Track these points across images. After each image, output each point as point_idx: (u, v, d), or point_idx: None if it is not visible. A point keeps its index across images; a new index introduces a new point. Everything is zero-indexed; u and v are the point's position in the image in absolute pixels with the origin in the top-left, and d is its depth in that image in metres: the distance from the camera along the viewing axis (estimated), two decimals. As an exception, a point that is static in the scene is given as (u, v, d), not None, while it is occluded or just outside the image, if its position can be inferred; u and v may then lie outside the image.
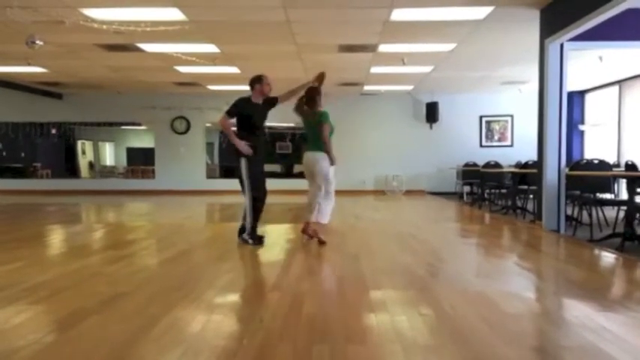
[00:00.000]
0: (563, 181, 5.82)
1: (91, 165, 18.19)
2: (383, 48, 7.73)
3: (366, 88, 11.57)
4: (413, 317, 2.58)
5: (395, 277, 3.56)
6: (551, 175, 5.83)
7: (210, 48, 7.72)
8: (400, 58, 8.39)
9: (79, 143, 17.49)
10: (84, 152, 17.95)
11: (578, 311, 2.79)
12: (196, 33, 6.80)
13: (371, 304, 2.84)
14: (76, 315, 2.62)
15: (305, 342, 2.24)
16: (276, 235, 5.40)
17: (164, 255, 4.54)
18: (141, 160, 16.59)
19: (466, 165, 10.53)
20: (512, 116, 12.63)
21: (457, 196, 10.97)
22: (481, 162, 9.60)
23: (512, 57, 8.45)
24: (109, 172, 17.63)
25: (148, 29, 6.17)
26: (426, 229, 6.32)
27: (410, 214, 8.28)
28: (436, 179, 12.57)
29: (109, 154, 19.25)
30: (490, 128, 12.75)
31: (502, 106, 12.59)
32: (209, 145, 15.73)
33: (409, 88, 11.80)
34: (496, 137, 12.73)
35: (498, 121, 12.71)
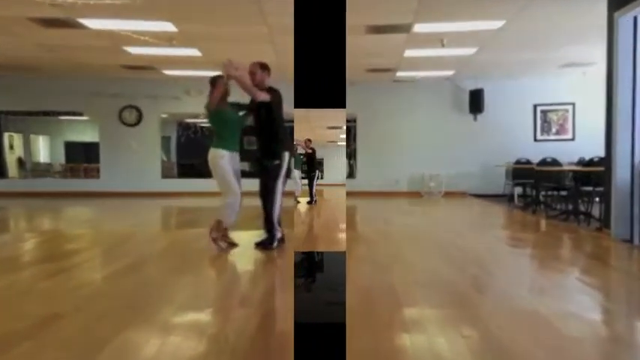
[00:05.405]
0: (638, 180, 5.66)
1: (21, 162, 17.80)
2: (418, 28, 7.69)
3: (400, 74, 11.53)
4: (453, 339, 2.57)
5: (433, 291, 3.56)
6: (622, 173, 5.72)
7: (167, 26, 7.60)
8: (439, 39, 8.36)
9: (6, 136, 16.72)
10: (12, 147, 17.39)
11: (656, 336, 2.71)
12: (150, 8, 6.64)
13: (404, 323, 2.83)
14: (4, 341, 2.55)
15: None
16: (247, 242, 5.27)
17: (111, 268, 4.50)
18: (82, 157, 16.62)
19: (517, 162, 10.49)
20: (573, 104, 12.47)
21: (506, 198, 10.88)
22: (535, 159, 9.52)
23: (574, 35, 8.30)
24: (43, 171, 17.44)
25: (92, 2, 5.97)
26: (470, 237, 6.30)
27: (450, 220, 8.30)
28: (481, 179, 12.49)
29: (43, 150, 19.03)
30: (546, 119, 12.61)
31: (561, 92, 12.43)
32: (165, 140, 15.65)
33: (449, 73, 11.73)
34: (554, 130, 12.59)
35: (556, 110, 12.56)
